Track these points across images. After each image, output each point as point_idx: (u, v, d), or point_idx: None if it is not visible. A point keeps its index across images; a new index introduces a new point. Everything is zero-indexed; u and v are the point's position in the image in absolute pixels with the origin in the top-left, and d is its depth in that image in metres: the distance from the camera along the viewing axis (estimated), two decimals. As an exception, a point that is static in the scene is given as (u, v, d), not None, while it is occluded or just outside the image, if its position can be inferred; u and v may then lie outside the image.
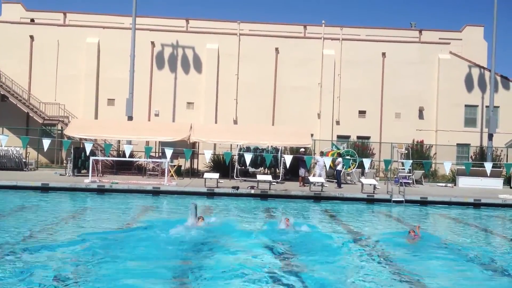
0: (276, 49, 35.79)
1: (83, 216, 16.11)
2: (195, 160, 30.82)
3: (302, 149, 27.12)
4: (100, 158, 26.16)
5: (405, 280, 9.47)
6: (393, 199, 21.24)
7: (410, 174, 27.64)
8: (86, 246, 10.94)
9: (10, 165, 28.11)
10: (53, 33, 35.10)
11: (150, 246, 11.01)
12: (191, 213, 13.02)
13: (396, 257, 11.37)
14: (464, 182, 28.36)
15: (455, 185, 29.08)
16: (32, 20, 37.86)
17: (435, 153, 33.56)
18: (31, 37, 34.91)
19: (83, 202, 19.67)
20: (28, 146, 25.03)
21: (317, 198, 21.77)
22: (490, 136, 32.34)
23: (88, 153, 23.75)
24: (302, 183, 24.80)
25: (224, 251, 10.91)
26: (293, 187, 23.99)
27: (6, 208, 17.00)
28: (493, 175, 27.01)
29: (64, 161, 30.11)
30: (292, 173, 27.69)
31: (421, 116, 36.33)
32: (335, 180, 25.71)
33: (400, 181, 23.54)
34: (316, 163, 25.96)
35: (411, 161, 24.77)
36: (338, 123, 35.94)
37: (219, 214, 17.27)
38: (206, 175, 23.88)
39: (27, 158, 29.63)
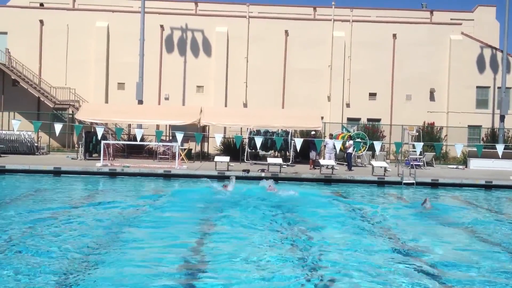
0: (286, 31, 35.58)
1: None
2: (206, 144, 30.89)
3: (313, 132, 27.09)
4: (111, 142, 26.30)
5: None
6: (404, 182, 21.22)
7: (421, 156, 27.53)
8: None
9: (22, 149, 28.36)
10: (62, 18, 35.12)
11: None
12: (231, 181, 17.80)
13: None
14: (476, 164, 28.23)
15: (466, 167, 28.96)
16: (42, 4, 37.81)
17: (446, 135, 33.40)
18: (41, 21, 34.96)
19: (96, 184, 19.93)
20: (39, 130, 25.22)
21: (328, 181, 21.82)
22: (502, 118, 32.12)
23: (99, 137, 23.93)
24: (312, 166, 24.82)
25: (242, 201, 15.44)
26: (303, 170, 24.05)
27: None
28: (505, 156, 26.82)
29: (76, 145, 30.36)
30: (302, 156, 27.73)
31: (432, 98, 36.07)
32: (345, 163, 25.70)
33: (411, 163, 23.54)
34: (325, 146, 25.97)
35: (422, 143, 24.68)
36: (348, 105, 35.80)
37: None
38: (216, 158, 23.96)
39: (39, 142, 29.87)
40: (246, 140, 27.55)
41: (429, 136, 31.81)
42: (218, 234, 11.00)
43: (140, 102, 30.54)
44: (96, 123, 26.64)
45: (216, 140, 25.14)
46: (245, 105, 35.31)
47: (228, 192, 16.75)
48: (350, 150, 25.20)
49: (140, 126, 27.76)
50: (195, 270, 8.38)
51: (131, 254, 9.11)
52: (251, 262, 8.77)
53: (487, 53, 36.16)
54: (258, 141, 24.38)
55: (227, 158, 23.68)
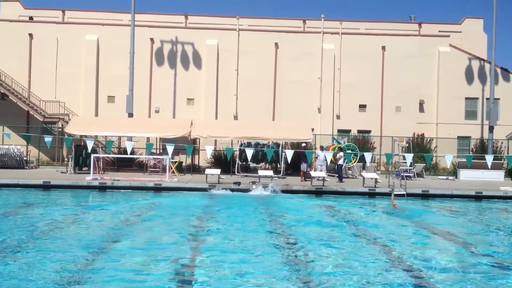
0: (276, 44, 35.74)
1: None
2: (196, 156, 30.82)
3: (303, 144, 27.11)
4: (101, 155, 26.16)
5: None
6: (394, 193, 21.23)
7: (411, 168, 27.62)
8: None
9: (11, 163, 28.10)
10: (52, 31, 35.05)
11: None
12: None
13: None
14: (465, 174, 28.35)
15: (456, 178, 29.09)
16: (31, 18, 37.75)
17: (436, 146, 33.55)
18: (30, 35, 34.87)
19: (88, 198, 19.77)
20: (29, 144, 25.04)
21: (319, 193, 21.82)
22: (491, 129, 32.34)
23: (89, 150, 23.78)
24: (303, 177, 24.82)
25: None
26: (294, 182, 24.02)
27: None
28: (494, 167, 27.00)
29: (65, 159, 30.15)
30: (293, 168, 27.72)
31: (421, 109, 36.32)
32: (336, 175, 25.71)
33: (402, 174, 23.54)
34: (316, 158, 25.98)
35: (412, 154, 24.79)
36: (338, 117, 35.92)
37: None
38: (207, 171, 23.90)
39: (28, 156, 29.62)
40: (237, 152, 27.51)
41: (419, 147, 31.94)
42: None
43: (130, 115, 30.45)
44: (86, 137, 26.50)
45: (206, 153, 25.07)
46: (235, 117, 35.32)
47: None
48: (340, 162, 25.23)
49: (130, 139, 27.66)
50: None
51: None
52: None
53: (475, 64, 36.52)
54: (249, 153, 24.37)
55: (218, 171, 23.62)
